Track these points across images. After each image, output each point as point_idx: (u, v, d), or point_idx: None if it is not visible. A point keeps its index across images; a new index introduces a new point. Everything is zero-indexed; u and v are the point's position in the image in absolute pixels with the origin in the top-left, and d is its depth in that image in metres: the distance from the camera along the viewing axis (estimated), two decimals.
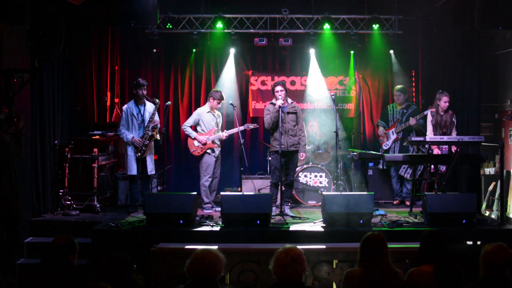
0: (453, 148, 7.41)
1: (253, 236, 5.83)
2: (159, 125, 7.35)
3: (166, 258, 5.29)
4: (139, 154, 7.14)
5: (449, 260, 3.66)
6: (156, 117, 7.30)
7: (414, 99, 8.96)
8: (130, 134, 7.15)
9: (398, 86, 8.17)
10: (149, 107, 7.31)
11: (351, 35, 8.58)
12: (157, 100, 7.25)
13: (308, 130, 8.52)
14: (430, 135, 7.45)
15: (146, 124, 7.19)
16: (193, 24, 8.55)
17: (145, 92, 7.23)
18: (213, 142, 7.39)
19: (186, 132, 7.50)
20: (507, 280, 3.32)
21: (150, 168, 7.28)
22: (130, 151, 7.19)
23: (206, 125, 7.44)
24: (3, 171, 5.05)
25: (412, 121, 7.75)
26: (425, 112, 7.66)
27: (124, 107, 7.30)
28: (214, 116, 7.51)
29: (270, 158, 7.13)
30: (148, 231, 5.90)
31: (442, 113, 7.50)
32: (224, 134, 7.44)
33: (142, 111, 7.22)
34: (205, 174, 7.38)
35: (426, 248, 3.74)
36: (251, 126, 7.62)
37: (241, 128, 7.45)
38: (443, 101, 7.45)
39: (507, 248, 3.34)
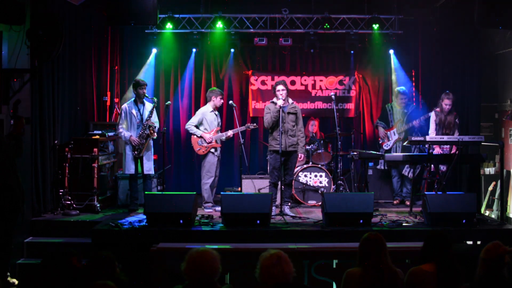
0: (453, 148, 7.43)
1: (253, 236, 5.83)
2: (156, 125, 7.30)
3: (166, 258, 5.28)
4: (135, 152, 7.16)
5: (451, 260, 3.65)
6: (154, 116, 7.28)
7: (414, 99, 8.95)
8: (128, 133, 7.17)
9: (402, 88, 8.01)
10: (149, 106, 7.32)
11: (351, 35, 8.58)
12: (155, 99, 7.28)
13: (308, 130, 8.53)
14: (431, 134, 7.44)
15: (143, 123, 7.19)
16: (193, 24, 8.55)
17: (145, 92, 7.25)
18: (216, 141, 7.39)
19: (191, 132, 7.44)
20: (504, 278, 3.31)
21: (147, 167, 7.27)
22: (128, 150, 7.22)
23: (209, 124, 7.44)
24: (8, 170, 5.05)
25: (416, 123, 7.73)
26: (429, 114, 7.65)
27: (123, 106, 7.32)
28: (216, 115, 7.53)
29: (268, 158, 7.12)
30: (148, 231, 5.89)
31: (446, 114, 7.50)
32: (230, 133, 7.45)
33: (141, 111, 7.22)
34: (208, 174, 7.37)
35: (429, 248, 3.73)
36: (251, 126, 7.62)
37: (242, 128, 7.46)
38: (444, 103, 7.48)
39: (501, 245, 3.34)
